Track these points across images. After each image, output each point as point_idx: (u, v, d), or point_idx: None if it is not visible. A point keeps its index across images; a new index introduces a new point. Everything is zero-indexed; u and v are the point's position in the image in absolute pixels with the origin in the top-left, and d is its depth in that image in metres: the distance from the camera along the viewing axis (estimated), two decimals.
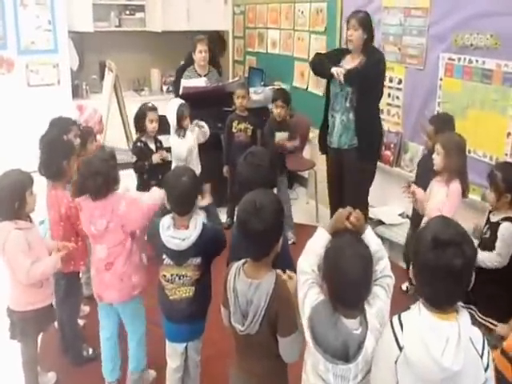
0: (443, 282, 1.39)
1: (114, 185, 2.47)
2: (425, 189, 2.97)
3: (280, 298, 1.73)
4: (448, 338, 1.37)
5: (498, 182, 2.48)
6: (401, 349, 1.42)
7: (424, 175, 3.22)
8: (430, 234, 1.43)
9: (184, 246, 2.17)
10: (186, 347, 2.39)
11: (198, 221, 2.22)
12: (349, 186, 3.70)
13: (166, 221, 2.22)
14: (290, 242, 3.91)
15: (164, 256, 2.23)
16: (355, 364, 1.53)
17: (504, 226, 2.47)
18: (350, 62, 3.61)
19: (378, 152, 3.87)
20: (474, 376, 1.42)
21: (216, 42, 6.43)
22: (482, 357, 1.43)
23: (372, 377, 1.54)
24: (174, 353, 2.40)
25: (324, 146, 3.89)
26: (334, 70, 3.51)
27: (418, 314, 1.44)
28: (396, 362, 1.43)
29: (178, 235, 2.17)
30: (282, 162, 4.10)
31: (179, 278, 2.24)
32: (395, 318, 1.48)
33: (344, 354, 1.53)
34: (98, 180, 2.37)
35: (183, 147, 3.84)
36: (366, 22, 3.54)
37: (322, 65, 3.70)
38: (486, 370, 1.44)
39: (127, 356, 2.64)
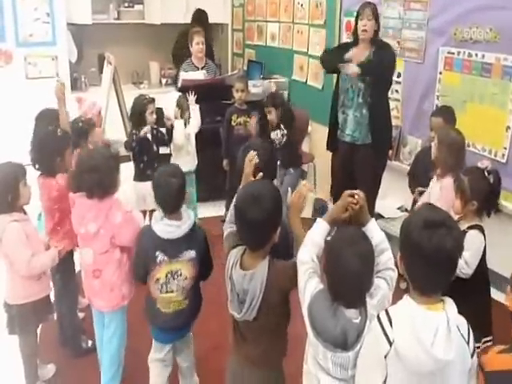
0: (433, 263, 1.40)
1: (112, 187, 2.34)
2: (420, 183, 2.99)
3: (280, 278, 1.75)
4: (437, 329, 1.38)
5: (465, 188, 2.29)
6: (391, 343, 1.42)
7: (422, 168, 3.23)
8: (420, 217, 1.46)
9: (178, 234, 2.15)
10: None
11: (189, 213, 2.23)
12: (361, 182, 3.66)
13: (158, 214, 2.21)
14: None
15: (157, 253, 2.16)
16: (354, 352, 1.54)
17: (471, 233, 2.27)
18: (360, 54, 3.56)
19: (390, 146, 3.86)
20: (461, 363, 1.44)
21: (202, 19, 5.87)
22: (468, 343, 1.46)
23: (358, 373, 1.54)
24: (159, 348, 2.37)
25: (333, 143, 3.85)
26: (346, 67, 3.45)
27: (407, 306, 1.45)
28: (386, 356, 1.43)
29: (172, 223, 2.17)
30: (294, 155, 4.14)
31: (173, 278, 2.19)
32: (382, 314, 1.48)
33: (343, 342, 1.54)
34: (95, 176, 2.26)
35: (177, 135, 3.84)
36: (377, 14, 3.56)
37: (330, 62, 3.70)
38: (472, 356, 1.47)
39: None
